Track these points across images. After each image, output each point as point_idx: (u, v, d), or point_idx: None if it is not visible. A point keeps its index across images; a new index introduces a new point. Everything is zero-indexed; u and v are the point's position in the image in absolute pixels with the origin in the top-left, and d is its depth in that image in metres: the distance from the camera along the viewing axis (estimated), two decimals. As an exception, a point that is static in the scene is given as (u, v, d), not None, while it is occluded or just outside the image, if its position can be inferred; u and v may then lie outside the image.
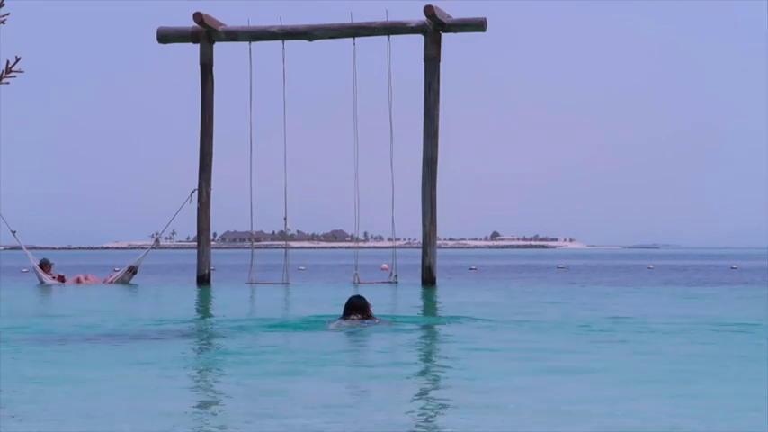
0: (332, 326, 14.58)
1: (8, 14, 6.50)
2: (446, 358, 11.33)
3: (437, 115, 25.88)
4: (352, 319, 14.89)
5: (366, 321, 14.74)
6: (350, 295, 15.52)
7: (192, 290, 25.84)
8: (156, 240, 30.27)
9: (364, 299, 15.09)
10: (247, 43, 27.26)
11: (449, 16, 25.64)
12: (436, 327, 15.04)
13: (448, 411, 7.85)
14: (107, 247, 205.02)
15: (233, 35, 27.16)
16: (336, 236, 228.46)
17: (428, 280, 25.85)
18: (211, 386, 9.20)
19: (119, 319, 16.10)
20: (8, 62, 6.52)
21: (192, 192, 27.06)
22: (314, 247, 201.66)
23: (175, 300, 22.15)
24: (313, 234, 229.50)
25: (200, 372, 10.21)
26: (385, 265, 37.60)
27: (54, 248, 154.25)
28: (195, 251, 27.98)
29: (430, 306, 19.78)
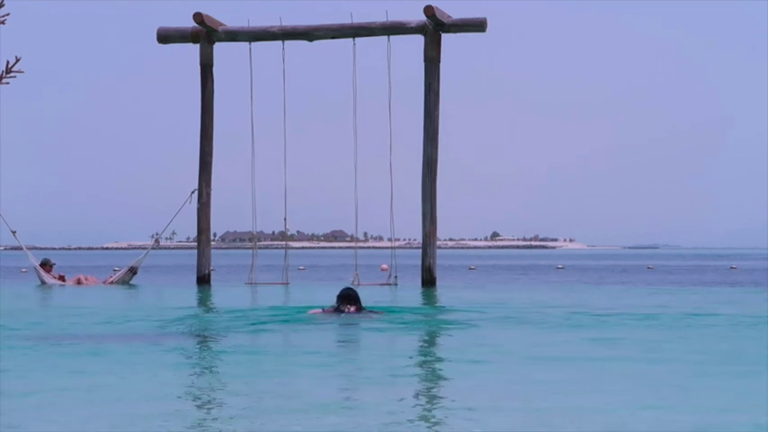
0: (326, 310, 15.05)
1: (8, 14, 6.50)
2: (445, 358, 11.33)
3: (437, 116, 25.86)
4: (348, 310, 15.14)
5: (360, 314, 15.11)
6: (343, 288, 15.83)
7: (192, 290, 25.83)
8: (156, 241, 30.27)
9: (356, 291, 15.60)
10: (247, 43, 27.25)
11: (449, 16, 25.62)
12: (435, 327, 15.03)
13: (447, 411, 7.85)
14: (107, 248, 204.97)
15: (233, 35, 27.15)
16: (336, 236, 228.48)
17: (428, 280, 25.81)
18: (211, 387, 9.20)
19: (119, 319, 16.09)
20: (8, 62, 6.53)
21: (192, 192, 27.05)
22: (314, 247, 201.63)
23: (175, 300, 22.13)
24: (313, 234, 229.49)
25: (199, 372, 10.21)
26: (384, 266, 37.58)
27: (54, 248, 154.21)
28: (195, 251, 27.96)
29: (429, 306, 19.77)
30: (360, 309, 15.26)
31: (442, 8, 25.43)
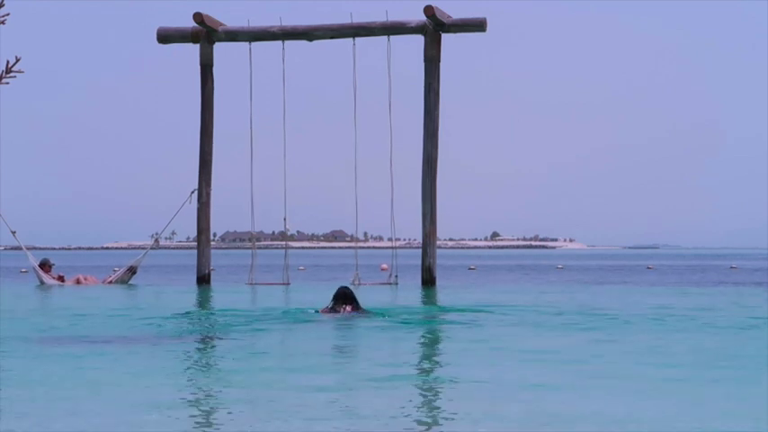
0: (323, 310, 15.11)
1: (8, 14, 6.50)
2: (445, 358, 11.33)
3: (437, 115, 25.87)
4: (344, 309, 15.18)
5: (357, 313, 15.19)
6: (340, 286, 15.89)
7: (192, 290, 25.83)
8: (156, 240, 30.27)
9: (351, 290, 15.69)
10: (247, 43, 27.26)
11: (449, 16, 25.62)
12: (435, 327, 15.04)
13: (447, 411, 7.84)
14: (107, 247, 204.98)
15: (233, 35, 27.15)
16: (336, 236, 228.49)
17: (428, 280, 25.83)
18: (211, 387, 9.19)
19: (118, 319, 16.09)
20: (8, 62, 6.53)
21: (192, 192, 27.06)
22: (314, 247, 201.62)
23: (175, 300, 22.13)
24: (313, 234, 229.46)
25: (199, 372, 10.21)
26: (384, 265, 37.59)
27: (54, 248, 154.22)
28: (195, 251, 27.97)
29: (429, 306, 19.77)
30: (356, 308, 15.27)
31: (442, 8, 25.44)
